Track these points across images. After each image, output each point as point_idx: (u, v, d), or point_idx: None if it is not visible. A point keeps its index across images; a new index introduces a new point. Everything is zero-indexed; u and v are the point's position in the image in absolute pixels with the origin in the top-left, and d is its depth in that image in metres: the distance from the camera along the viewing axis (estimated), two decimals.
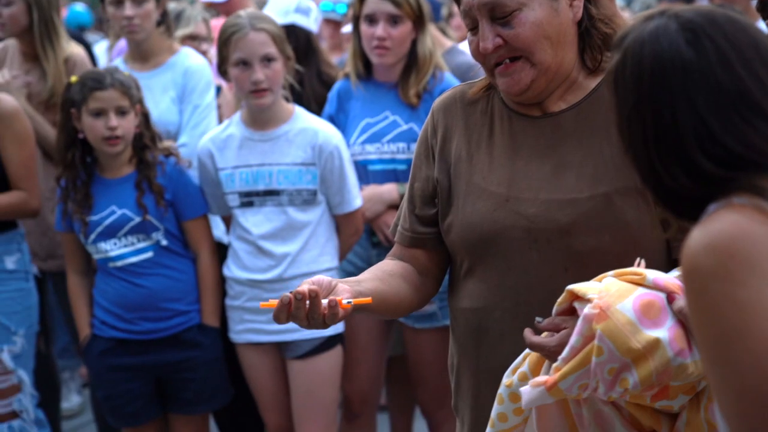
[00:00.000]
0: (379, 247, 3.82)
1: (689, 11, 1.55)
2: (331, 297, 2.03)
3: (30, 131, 3.86)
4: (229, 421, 4.34)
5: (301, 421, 3.60)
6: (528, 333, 1.90)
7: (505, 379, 1.97)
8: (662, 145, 1.48)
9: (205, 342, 3.67)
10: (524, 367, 1.93)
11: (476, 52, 2.05)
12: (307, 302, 1.99)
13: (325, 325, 2.05)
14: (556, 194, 2.04)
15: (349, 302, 2.04)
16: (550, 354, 1.84)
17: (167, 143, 3.92)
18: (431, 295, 2.33)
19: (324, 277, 2.12)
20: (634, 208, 2.03)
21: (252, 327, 3.62)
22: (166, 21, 4.44)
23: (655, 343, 1.73)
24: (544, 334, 1.89)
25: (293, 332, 3.50)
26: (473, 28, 2.03)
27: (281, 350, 3.65)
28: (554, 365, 1.80)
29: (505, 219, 2.06)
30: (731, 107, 1.43)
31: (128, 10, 4.20)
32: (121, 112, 3.56)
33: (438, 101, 2.31)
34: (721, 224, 1.35)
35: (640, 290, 1.81)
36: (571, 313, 1.85)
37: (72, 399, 4.62)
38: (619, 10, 2.60)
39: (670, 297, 1.81)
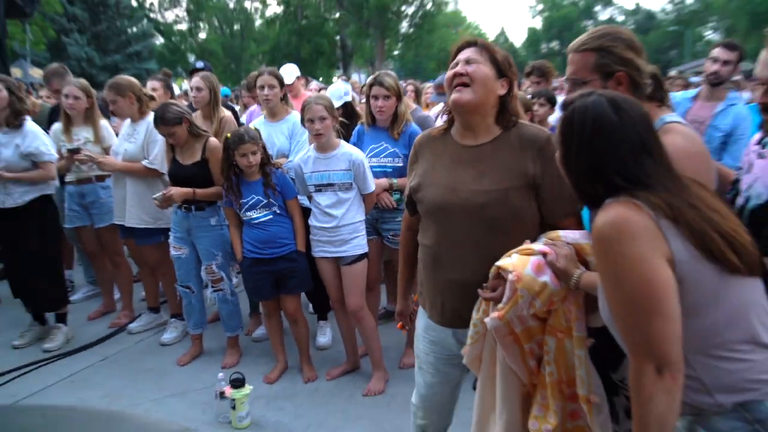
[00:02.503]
0: (377, 209, 3.99)
1: (612, 93, 1.65)
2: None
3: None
4: (312, 296, 4.65)
5: (348, 295, 3.83)
6: (480, 291, 2.04)
7: (475, 314, 2.11)
8: (592, 170, 1.59)
9: (298, 258, 3.91)
10: (483, 307, 2.08)
11: (451, 76, 2.17)
12: None
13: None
14: (478, 187, 2.16)
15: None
16: (496, 301, 1.98)
17: (279, 161, 4.17)
18: None
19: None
20: (519, 197, 2.13)
21: (322, 248, 3.83)
22: (285, 98, 4.53)
23: (544, 285, 1.92)
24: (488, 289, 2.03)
25: (343, 251, 3.78)
26: (456, 65, 2.16)
27: (337, 261, 3.85)
28: (499, 306, 1.96)
29: (450, 199, 2.19)
30: (637, 151, 1.55)
31: (266, 91, 4.34)
32: (253, 153, 3.76)
33: (417, 138, 2.45)
34: (616, 211, 1.50)
35: (532, 258, 1.96)
36: (499, 276, 1.99)
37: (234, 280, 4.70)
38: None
39: (545, 255, 1.96)
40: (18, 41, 21.59)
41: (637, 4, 55.58)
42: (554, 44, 56.01)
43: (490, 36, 66.88)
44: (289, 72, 5.78)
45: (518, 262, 1.95)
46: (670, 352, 1.44)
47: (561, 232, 2.07)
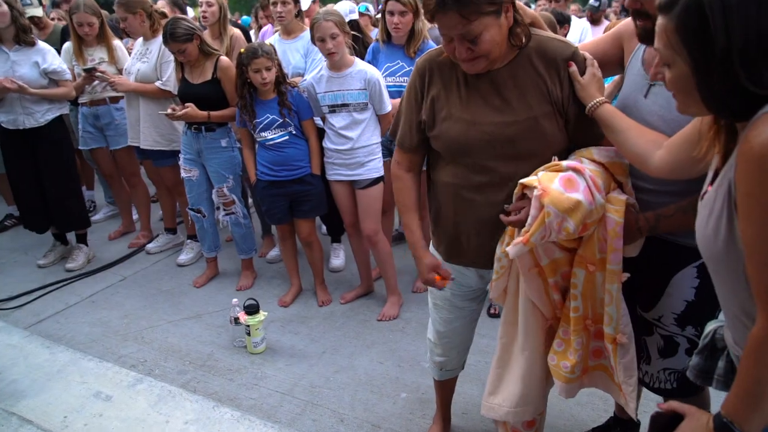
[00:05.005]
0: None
1: None
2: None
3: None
4: (326, 218, 4.13)
5: (363, 219, 3.38)
6: (503, 217, 1.64)
7: (499, 248, 1.73)
8: (752, 52, 0.97)
9: (314, 181, 3.41)
10: (507, 239, 1.69)
11: (451, 54, 1.65)
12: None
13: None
14: (504, 119, 1.67)
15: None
16: (519, 225, 1.60)
17: (294, 80, 3.59)
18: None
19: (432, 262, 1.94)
20: (550, 124, 1.67)
21: (337, 172, 3.35)
22: (300, 15, 3.99)
23: (577, 203, 1.52)
24: (512, 214, 1.63)
25: (358, 175, 3.29)
26: (450, 41, 1.62)
27: (352, 184, 3.37)
28: (523, 230, 1.56)
29: (474, 135, 1.70)
30: None
31: (279, 7, 3.82)
32: (267, 68, 3.22)
33: (420, 62, 1.83)
34: None
35: (560, 174, 1.57)
36: (524, 197, 1.61)
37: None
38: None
39: (578, 171, 1.56)
40: None
41: None
42: None
43: None
44: None
45: (544, 178, 1.57)
46: None
47: (594, 149, 1.69)
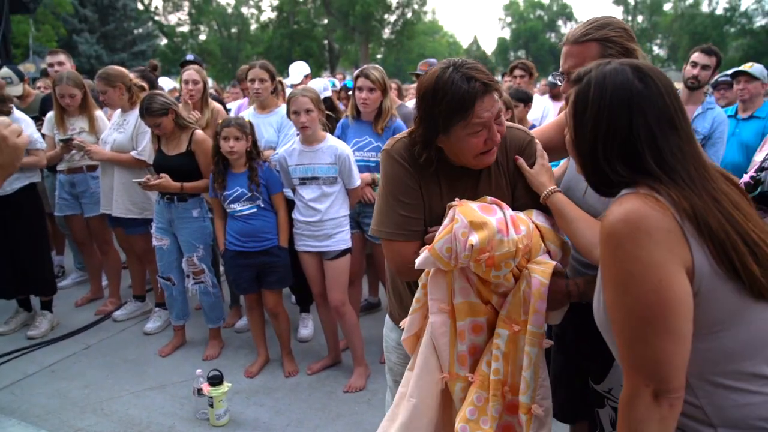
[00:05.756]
0: (360, 203, 3.61)
1: (635, 61, 1.29)
2: None
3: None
4: (295, 288, 4.19)
5: (330, 290, 3.41)
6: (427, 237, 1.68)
7: (423, 277, 1.67)
8: (611, 145, 1.22)
9: (280, 254, 3.47)
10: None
11: (482, 145, 1.63)
12: None
13: None
14: None
15: None
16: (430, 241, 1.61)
17: (266, 153, 3.70)
18: None
19: None
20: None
21: (305, 243, 3.40)
22: (276, 90, 4.11)
23: (486, 222, 1.53)
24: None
25: (326, 246, 3.35)
26: (482, 128, 1.61)
27: (321, 255, 3.42)
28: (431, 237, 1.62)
29: None
30: (664, 124, 1.21)
31: (256, 84, 3.95)
32: (236, 138, 3.33)
33: (398, 155, 1.75)
34: (632, 204, 1.16)
35: (483, 203, 1.64)
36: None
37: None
38: None
39: (499, 205, 1.63)
40: (31, 37, 21.12)
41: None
42: (521, 53, 55.63)
43: (464, 44, 66.52)
44: (298, 71, 5.34)
45: (468, 201, 1.64)
46: (674, 377, 1.15)
47: (535, 211, 1.75)
